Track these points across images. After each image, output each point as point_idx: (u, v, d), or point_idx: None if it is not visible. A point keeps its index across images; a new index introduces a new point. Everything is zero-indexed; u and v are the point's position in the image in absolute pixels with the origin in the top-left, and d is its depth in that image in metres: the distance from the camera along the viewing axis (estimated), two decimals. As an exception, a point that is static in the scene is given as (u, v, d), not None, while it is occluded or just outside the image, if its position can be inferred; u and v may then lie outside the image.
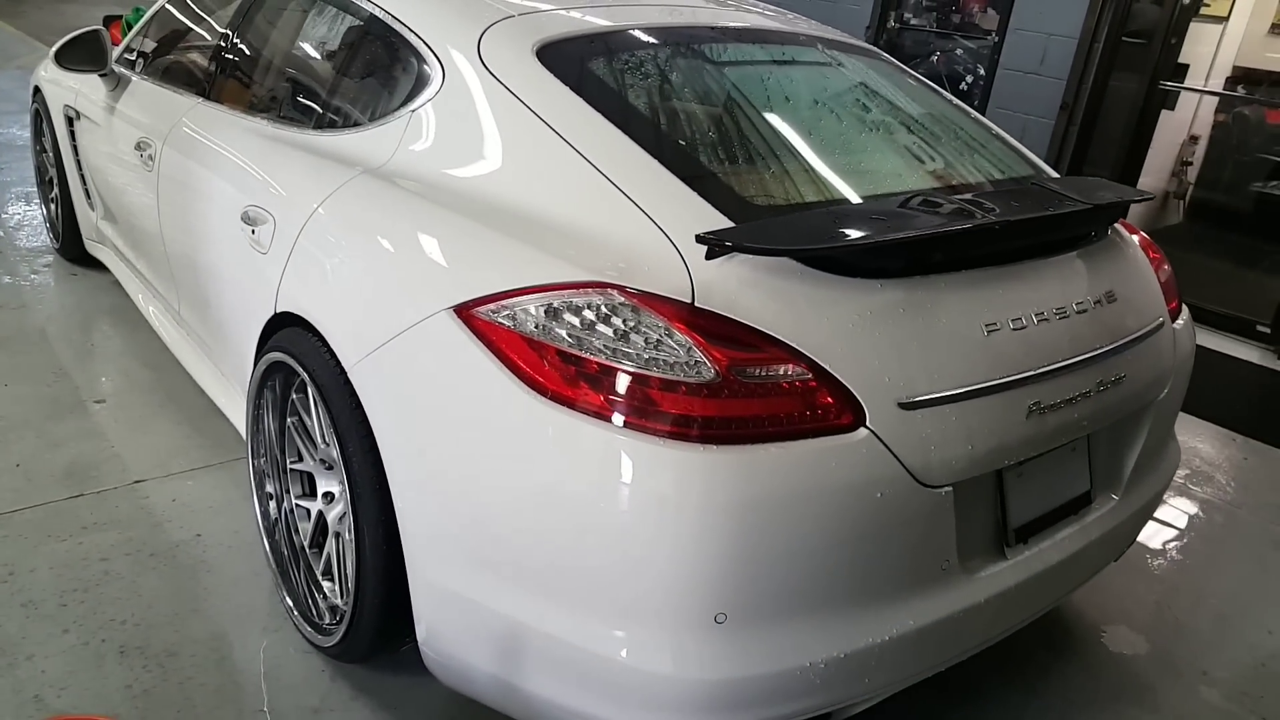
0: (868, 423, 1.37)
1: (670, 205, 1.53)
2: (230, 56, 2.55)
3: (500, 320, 1.46)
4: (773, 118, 1.85)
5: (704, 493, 1.30)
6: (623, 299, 1.41)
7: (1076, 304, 1.66)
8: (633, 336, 1.38)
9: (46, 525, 2.29)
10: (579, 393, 1.38)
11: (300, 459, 2.09)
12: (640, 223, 1.52)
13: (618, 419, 1.34)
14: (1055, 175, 2.11)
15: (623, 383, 1.35)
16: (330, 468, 2.00)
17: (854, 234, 1.42)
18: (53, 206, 3.90)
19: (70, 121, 3.43)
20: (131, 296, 3.22)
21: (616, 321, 1.39)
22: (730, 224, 1.50)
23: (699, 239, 1.41)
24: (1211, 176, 6.22)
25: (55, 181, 3.72)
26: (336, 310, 1.74)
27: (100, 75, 3.00)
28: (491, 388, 1.44)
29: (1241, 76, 6.14)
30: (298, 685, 1.91)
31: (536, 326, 1.43)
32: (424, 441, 1.56)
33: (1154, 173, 5.73)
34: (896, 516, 1.41)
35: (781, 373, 1.36)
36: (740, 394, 1.34)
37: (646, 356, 1.36)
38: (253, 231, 1.99)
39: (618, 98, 1.75)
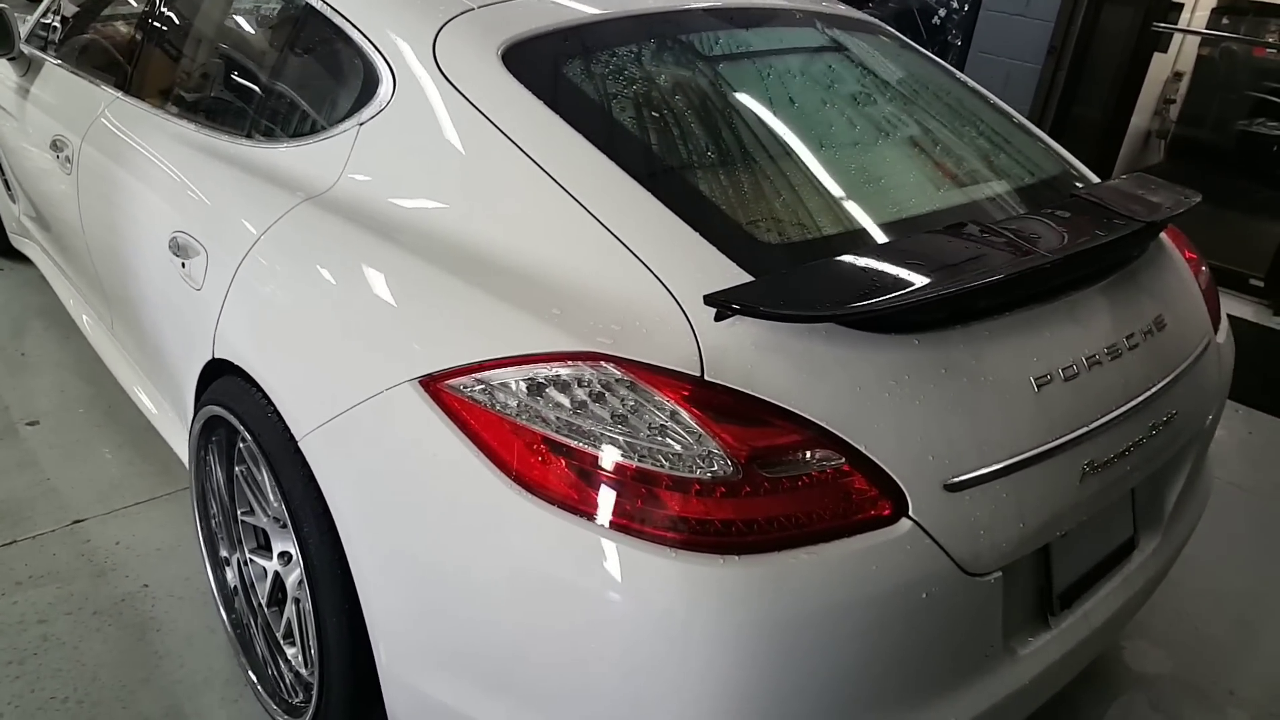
0: (910, 512, 1.18)
1: (670, 251, 1.31)
2: (150, 44, 2.24)
3: (475, 396, 1.24)
4: (778, 128, 1.61)
5: (723, 613, 1.11)
6: (619, 373, 1.19)
7: (1128, 338, 1.47)
8: (632, 420, 1.17)
9: (-26, 583, 2.06)
10: (569, 489, 1.17)
11: (251, 512, 1.87)
12: (635, 273, 1.29)
13: (617, 523, 1.14)
14: (1082, 169, 1.90)
15: (621, 478, 1.15)
16: (285, 525, 1.78)
17: (891, 289, 1.21)
18: (-28, 194, 3.56)
19: (-19, 106, 3.09)
20: (62, 300, 2.93)
21: (612, 401, 1.18)
22: (740, 271, 1.28)
23: (708, 300, 1.20)
24: (1195, 114, 6.03)
25: (-27, 168, 3.38)
26: (283, 369, 1.50)
27: (9, 59, 2.67)
28: (464, 477, 1.23)
29: (1227, 7, 5.92)
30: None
31: (517, 405, 1.21)
32: (388, 530, 1.35)
33: (1136, 111, 5.53)
34: (941, 614, 1.23)
35: (811, 459, 1.16)
36: (763, 490, 1.14)
37: (649, 445, 1.15)
38: (183, 265, 1.73)
39: (600, 112, 1.50)
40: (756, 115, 1.63)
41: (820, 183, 1.54)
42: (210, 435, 1.83)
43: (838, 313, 1.19)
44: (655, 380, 1.18)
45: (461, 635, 1.31)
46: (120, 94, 2.24)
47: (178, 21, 2.22)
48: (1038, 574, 1.41)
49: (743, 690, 1.13)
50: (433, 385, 1.28)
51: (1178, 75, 5.89)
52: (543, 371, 1.22)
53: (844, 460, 1.17)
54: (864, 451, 1.18)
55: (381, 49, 1.63)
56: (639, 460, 1.15)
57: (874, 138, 1.70)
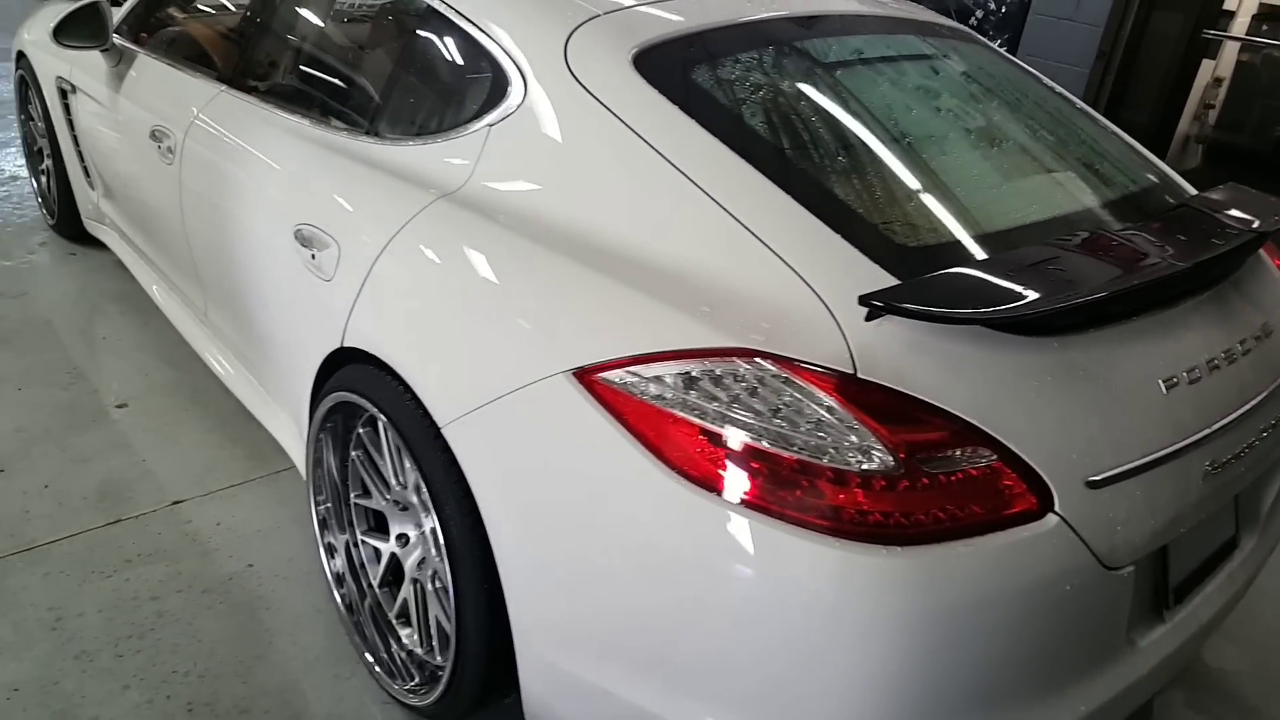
0: (1056, 507, 1.24)
1: (811, 253, 1.36)
2: (259, 39, 2.30)
3: (629, 389, 1.30)
4: (899, 133, 1.67)
5: (888, 602, 1.16)
6: (774, 368, 1.25)
7: (1240, 343, 1.53)
8: (789, 414, 1.22)
9: (88, 559, 2.12)
10: (729, 478, 1.23)
11: (366, 495, 1.94)
12: (779, 274, 1.35)
13: (777, 511, 1.20)
14: (1176, 178, 1.95)
15: (781, 469, 1.21)
16: (405, 509, 1.85)
17: (1037, 293, 1.27)
18: (44, 180, 3.62)
19: (64, 94, 3.15)
20: (143, 285, 3.00)
21: (768, 395, 1.24)
22: (882, 272, 1.33)
23: (863, 300, 1.25)
24: (1233, 119, 6.04)
25: (47, 154, 3.44)
26: (426, 359, 1.56)
27: (102, 51, 2.73)
28: (619, 464, 1.29)
29: (1267, 14, 5.92)
30: (382, 743, 1.80)
31: (673, 397, 1.27)
32: (534, 515, 1.41)
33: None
34: (1080, 606, 1.28)
35: (964, 456, 1.22)
36: (921, 485, 1.19)
37: (807, 438, 1.21)
38: (312, 256, 1.79)
39: (731, 116, 1.56)
40: (878, 121, 1.68)
41: (945, 187, 1.59)
42: (326, 422, 1.89)
43: (991, 315, 1.24)
44: (810, 376, 1.24)
45: (608, 616, 1.37)
46: (226, 88, 2.29)
47: (290, 19, 2.27)
48: (1156, 570, 1.47)
49: (896, 677, 1.19)
50: (586, 377, 1.34)
51: (1217, 81, 5.90)
52: (697, 366, 1.28)
53: (995, 457, 1.23)
54: (1013, 449, 1.23)
55: (510, 53, 1.69)
56: (798, 452, 1.21)
57: (988, 144, 1.76)
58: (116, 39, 2.73)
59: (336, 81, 2.11)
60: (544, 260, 1.47)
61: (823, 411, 1.22)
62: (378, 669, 1.86)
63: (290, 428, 2.25)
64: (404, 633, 1.90)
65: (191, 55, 2.58)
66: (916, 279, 1.31)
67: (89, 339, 3.02)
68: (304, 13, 2.26)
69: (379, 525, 1.98)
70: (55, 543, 2.17)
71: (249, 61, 2.29)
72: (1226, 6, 4.64)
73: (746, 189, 1.43)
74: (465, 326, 1.51)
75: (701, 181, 1.44)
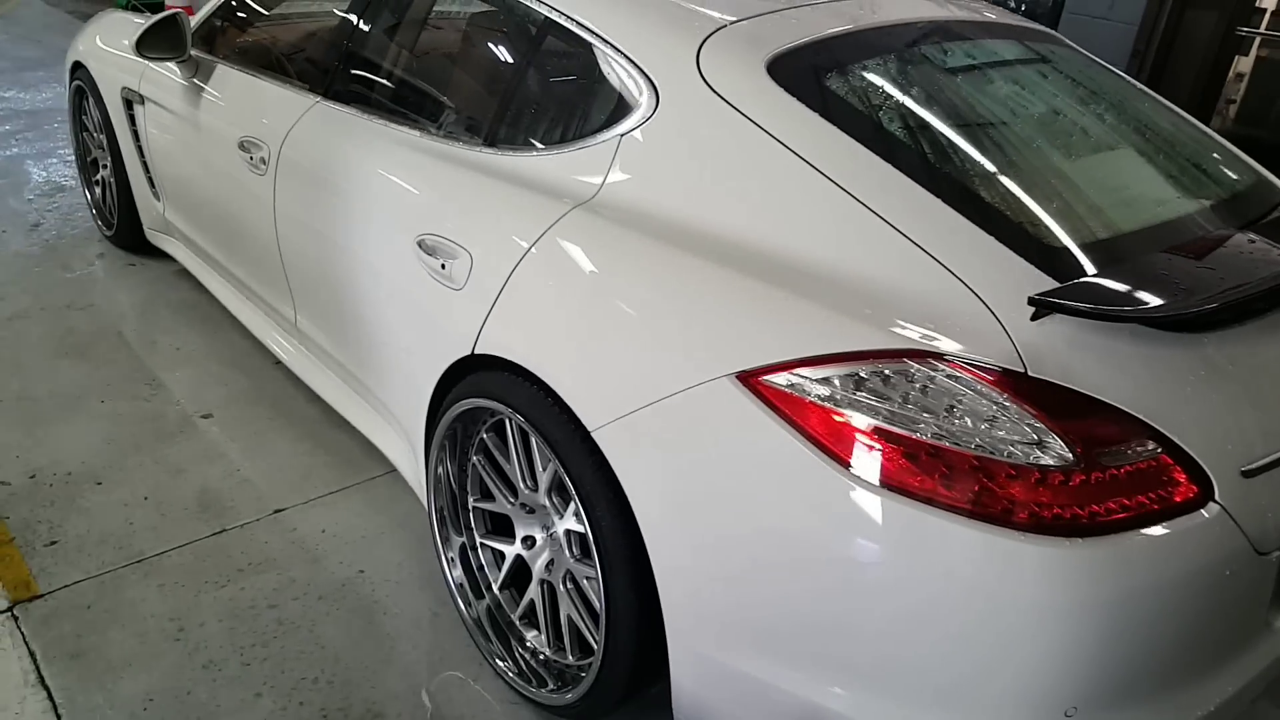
0: (1216, 496, 1.29)
1: (968, 254, 1.41)
2: (358, 51, 2.33)
3: (799, 390, 1.34)
4: (1025, 135, 1.72)
5: (1072, 591, 1.21)
6: (948, 369, 1.29)
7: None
8: (964, 413, 1.27)
9: (199, 569, 2.15)
10: (907, 476, 1.27)
11: (486, 498, 1.98)
12: (937, 276, 1.39)
13: (961, 508, 1.24)
14: (1271, 176, 2.00)
15: (963, 467, 1.25)
16: (531, 511, 1.89)
17: (1195, 291, 1.32)
18: (98, 190, 3.64)
19: (129, 104, 3.17)
20: (216, 295, 3.03)
21: (941, 395, 1.28)
22: (1038, 272, 1.38)
23: (1033, 300, 1.30)
24: (1254, 114, 6.13)
25: (106, 165, 3.47)
26: (572, 365, 1.60)
27: (179, 62, 2.75)
28: (790, 465, 1.33)
29: (1282, 8, 6.00)
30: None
31: (843, 399, 1.31)
32: (698, 515, 1.45)
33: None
34: (1234, 590, 1.34)
35: (1133, 449, 1.27)
36: (1097, 477, 1.24)
37: (985, 437, 1.25)
38: (442, 266, 1.82)
39: (869, 120, 1.60)
40: (1005, 124, 1.73)
41: (1078, 188, 1.64)
42: (449, 428, 1.93)
43: (1156, 313, 1.29)
44: (983, 375, 1.28)
45: (772, 611, 1.41)
46: (321, 99, 2.33)
47: (396, 30, 2.30)
48: (1289, 555, 1.52)
49: (1081, 663, 1.23)
50: (751, 379, 1.38)
51: (1239, 76, 5.99)
52: (866, 367, 1.32)
53: (1160, 449, 1.27)
54: (1176, 441, 1.28)
55: (639, 64, 1.73)
56: (976, 450, 1.25)
57: (1107, 146, 1.81)
58: (194, 51, 2.76)
59: (450, 93, 2.15)
60: (694, 267, 1.51)
61: (996, 410, 1.27)
62: (509, 673, 1.89)
63: (393, 434, 2.29)
64: (529, 635, 1.94)
65: (278, 66, 2.61)
66: (1081, 280, 1.36)
67: (162, 349, 3.05)
68: (411, 24, 2.29)
69: (497, 528, 2.03)
70: (165, 554, 2.19)
71: (348, 73, 2.32)
72: (1260, 4, 4.70)
73: (894, 192, 1.48)
74: (614, 333, 1.55)
75: (849, 186, 1.48)
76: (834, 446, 1.31)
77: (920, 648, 1.30)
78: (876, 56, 1.75)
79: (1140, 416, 1.28)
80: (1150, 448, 1.27)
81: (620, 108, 1.74)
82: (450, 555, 2.04)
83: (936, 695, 1.31)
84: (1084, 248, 1.48)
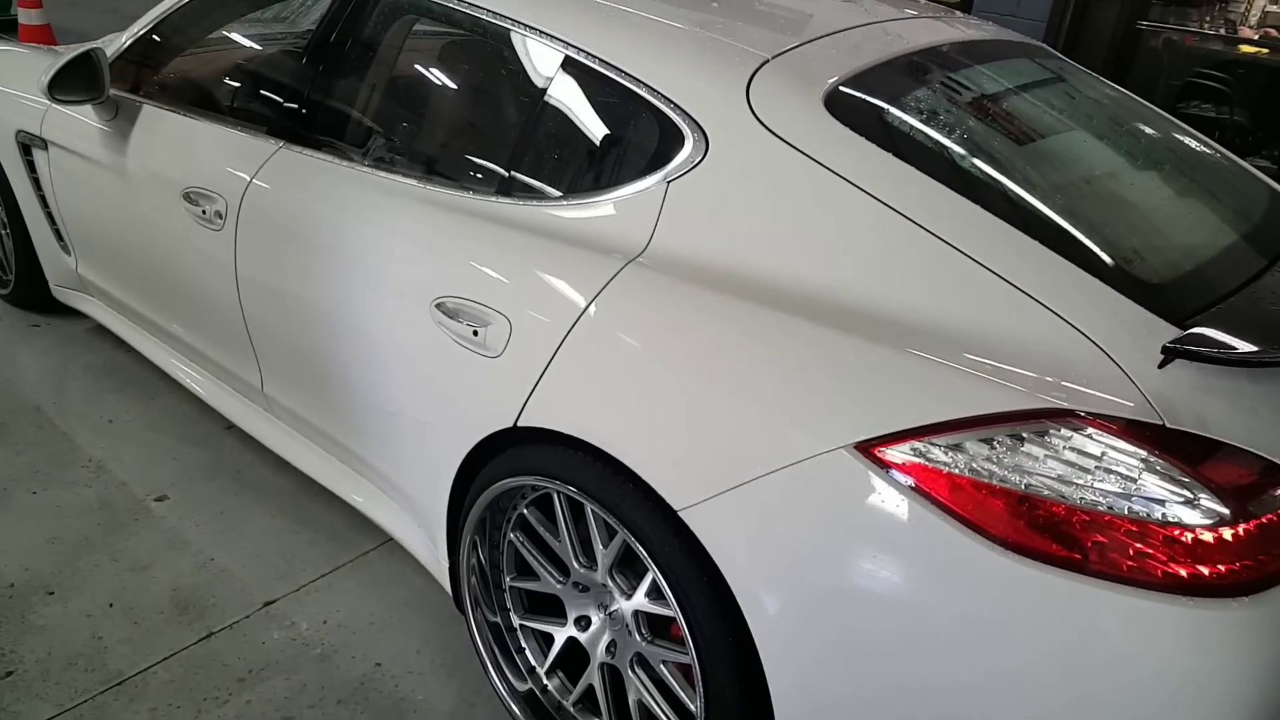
0: (1345, 532, 1.27)
1: (1073, 296, 1.34)
2: (332, 88, 2.10)
3: (928, 459, 1.25)
4: (1088, 164, 1.68)
5: (1247, 655, 1.16)
6: (1087, 427, 1.23)
7: None
8: (1108, 472, 1.21)
9: (193, 685, 1.91)
10: (1057, 545, 1.20)
11: (526, 576, 1.82)
12: (1045, 322, 1.32)
13: (1118, 575, 1.17)
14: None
15: (1117, 533, 1.18)
16: (584, 590, 1.74)
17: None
18: (-12, 245, 3.24)
19: (26, 149, 2.82)
20: (151, 359, 2.72)
21: (1083, 456, 1.21)
22: (1149, 314, 1.33)
23: (1168, 349, 1.24)
24: (1152, 99, 6.45)
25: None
26: (652, 439, 1.46)
27: (97, 103, 2.45)
28: (926, 540, 1.24)
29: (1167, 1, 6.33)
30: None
31: (979, 466, 1.23)
32: (812, 598, 1.34)
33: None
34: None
35: (1277, 494, 1.23)
36: (1251, 530, 1.20)
37: (1136, 497, 1.19)
38: (475, 333, 1.65)
39: (939, 155, 1.53)
40: (1066, 152, 1.68)
41: (1152, 221, 1.61)
42: (486, 510, 1.76)
43: (1292, 355, 1.25)
44: (1123, 432, 1.22)
45: (904, 697, 1.32)
46: (283, 144, 2.09)
47: (376, 63, 2.07)
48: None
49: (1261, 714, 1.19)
50: (872, 450, 1.28)
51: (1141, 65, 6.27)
52: (1003, 431, 1.24)
53: (1297, 493, 1.25)
54: (1312, 483, 1.25)
55: (680, 103, 1.60)
56: (1129, 515, 1.19)
57: (1145, 165, 1.79)
58: (114, 91, 2.46)
59: (457, 139, 1.96)
60: (785, 324, 1.40)
61: (1144, 467, 1.21)
62: (572, 762, 1.75)
63: (393, 507, 2.10)
64: (590, 721, 1.79)
65: (220, 105, 2.35)
66: (1207, 321, 1.31)
67: (93, 423, 2.72)
68: (398, 59, 2.07)
69: (534, 607, 1.87)
70: (148, 670, 1.94)
71: (321, 114, 2.09)
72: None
73: (984, 232, 1.40)
74: (702, 403, 1.42)
75: (936, 228, 1.40)
76: (972, 517, 1.23)
77: (1072, 725, 1.23)
78: (923, 86, 1.68)
79: (1276, 460, 1.24)
80: (1286, 492, 1.24)
81: (661, 152, 1.60)
82: (514, 683, 1.86)
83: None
84: (1177, 283, 1.44)
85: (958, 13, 2.20)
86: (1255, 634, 1.17)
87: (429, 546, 2.01)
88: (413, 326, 1.77)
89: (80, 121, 2.56)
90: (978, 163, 1.54)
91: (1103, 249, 1.44)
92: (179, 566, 2.21)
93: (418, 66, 2.08)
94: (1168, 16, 6.29)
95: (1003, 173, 1.54)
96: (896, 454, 1.27)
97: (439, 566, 1.98)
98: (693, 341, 1.45)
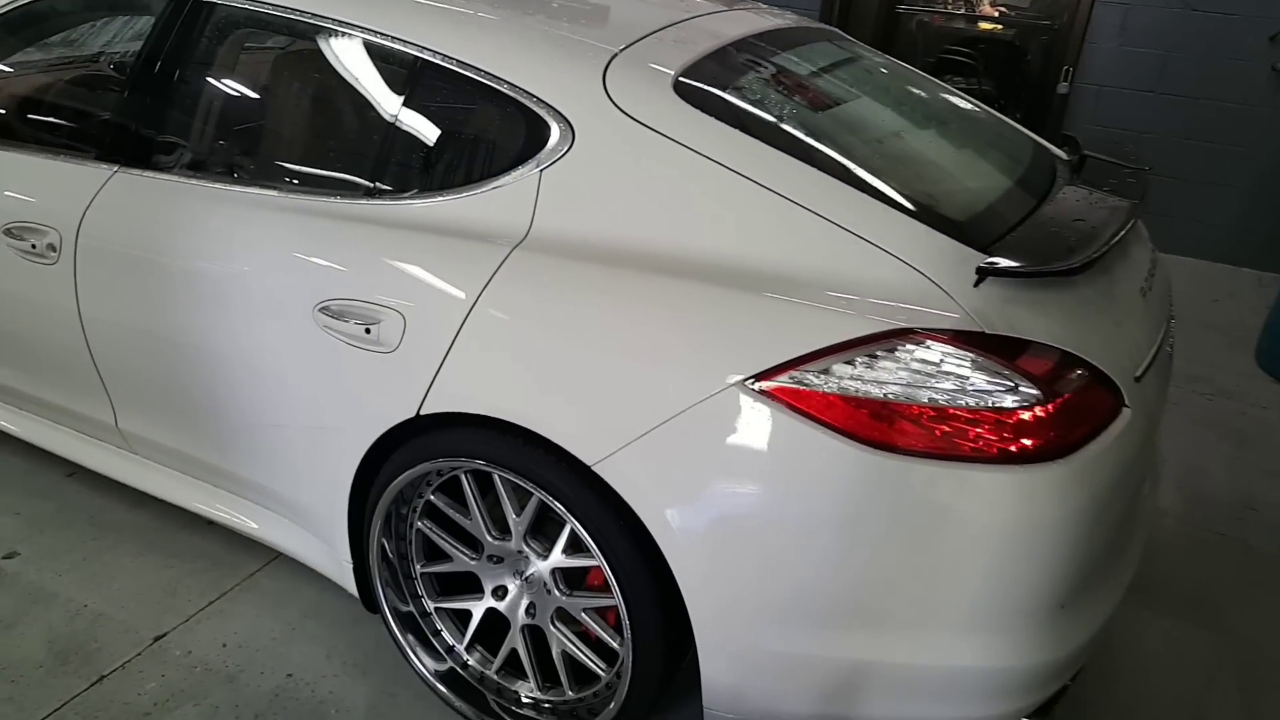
0: (1126, 401, 1.59)
1: (899, 236, 1.58)
2: (171, 105, 2.05)
3: (805, 384, 1.46)
4: (893, 128, 1.95)
5: (1063, 503, 1.44)
6: (932, 342, 1.47)
7: (1152, 263, 1.98)
8: (949, 375, 1.46)
9: (97, 727, 1.85)
10: (916, 440, 1.44)
11: (437, 560, 1.90)
12: (881, 260, 1.55)
13: (966, 455, 1.43)
14: (1051, 147, 2.39)
15: (959, 421, 1.44)
16: (499, 561, 1.84)
17: (1091, 239, 1.60)
18: None
19: None
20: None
21: (927, 364, 1.46)
22: (958, 244, 1.60)
23: (983, 269, 1.51)
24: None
25: None
26: (559, 405, 1.59)
27: None
28: (813, 452, 1.46)
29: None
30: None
31: (847, 384, 1.46)
32: (720, 521, 1.53)
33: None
34: (1140, 470, 1.67)
35: (1074, 379, 1.53)
36: (1058, 407, 1.48)
37: (971, 391, 1.45)
38: (367, 330, 1.71)
39: (775, 127, 1.74)
40: (876, 120, 1.95)
41: (946, 169, 1.90)
42: (392, 502, 1.83)
43: (1076, 264, 1.54)
44: (953, 341, 1.48)
45: (802, 588, 1.52)
46: (117, 168, 2.05)
47: (213, 75, 2.05)
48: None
49: (1068, 561, 1.48)
50: (759, 382, 1.48)
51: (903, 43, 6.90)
52: (860, 352, 1.47)
53: (1087, 374, 1.55)
54: (1097, 365, 1.56)
55: (543, 97, 1.72)
56: (966, 406, 1.45)
57: (942, 131, 2.10)
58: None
59: (313, 145, 1.98)
60: (664, 286, 1.57)
61: (973, 367, 1.47)
62: (508, 723, 1.85)
63: (276, 520, 2.11)
64: (519, 687, 1.89)
65: (28, 133, 2.24)
66: (1008, 244, 1.59)
67: (-92, 491, 2.51)
68: (235, 70, 2.06)
69: (446, 589, 1.95)
70: (43, 721, 1.86)
71: (160, 134, 2.05)
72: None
73: (821, 189, 1.62)
74: (600, 365, 1.57)
75: (782, 190, 1.60)
76: (844, 427, 1.45)
77: (942, 583, 1.48)
78: (749, 69, 1.90)
79: (1071, 350, 1.54)
80: (1081, 375, 1.54)
81: (530, 142, 1.73)
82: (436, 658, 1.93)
83: (952, 622, 1.50)
84: (976, 219, 1.73)
85: (760, 4, 2.45)
86: (1070, 486, 1.46)
87: (325, 553, 2.04)
88: (296, 334, 1.80)
89: None
90: (804, 131, 1.77)
91: (916, 196, 1.70)
92: (49, 619, 2.11)
93: (272, 79, 2.09)
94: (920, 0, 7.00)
95: (825, 138, 1.78)
96: (776, 384, 1.47)
97: (339, 570, 2.02)
98: (584, 313, 1.60)
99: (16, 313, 2.23)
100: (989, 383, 1.46)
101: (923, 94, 2.29)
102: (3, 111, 2.35)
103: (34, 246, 2.10)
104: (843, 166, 1.70)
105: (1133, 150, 2.22)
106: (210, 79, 2.09)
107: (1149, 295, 1.84)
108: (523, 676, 1.89)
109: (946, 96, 2.35)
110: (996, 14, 5.97)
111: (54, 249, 2.08)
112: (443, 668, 1.95)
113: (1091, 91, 4.77)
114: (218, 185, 1.95)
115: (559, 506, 1.64)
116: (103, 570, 2.27)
